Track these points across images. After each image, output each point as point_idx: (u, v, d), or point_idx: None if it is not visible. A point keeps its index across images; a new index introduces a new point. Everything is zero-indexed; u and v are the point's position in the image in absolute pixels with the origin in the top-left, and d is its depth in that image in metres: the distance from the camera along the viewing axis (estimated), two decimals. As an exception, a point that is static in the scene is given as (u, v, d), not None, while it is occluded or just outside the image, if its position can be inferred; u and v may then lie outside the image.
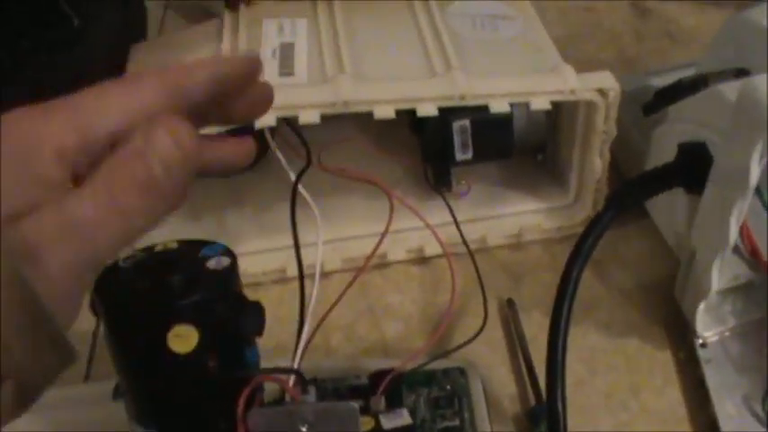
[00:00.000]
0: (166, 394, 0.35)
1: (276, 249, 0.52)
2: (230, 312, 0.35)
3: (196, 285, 0.35)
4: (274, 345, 0.43)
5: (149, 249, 0.38)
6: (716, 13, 0.72)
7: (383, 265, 0.51)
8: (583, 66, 0.49)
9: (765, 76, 0.41)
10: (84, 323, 0.51)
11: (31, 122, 0.24)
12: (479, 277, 0.47)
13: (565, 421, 0.38)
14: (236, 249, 0.50)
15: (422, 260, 0.52)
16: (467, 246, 0.48)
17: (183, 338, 0.34)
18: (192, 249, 0.37)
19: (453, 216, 0.48)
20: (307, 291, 0.39)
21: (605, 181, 0.51)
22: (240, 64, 0.29)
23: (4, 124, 0.24)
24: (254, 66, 0.30)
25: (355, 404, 0.34)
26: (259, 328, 0.36)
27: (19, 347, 0.22)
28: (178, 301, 0.34)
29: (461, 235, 0.48)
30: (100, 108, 0.25)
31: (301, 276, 0.38)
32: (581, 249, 0.41)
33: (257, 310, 0.36)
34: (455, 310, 0.48)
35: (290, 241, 0.51)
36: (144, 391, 0.36)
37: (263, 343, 0.37)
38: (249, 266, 0.51)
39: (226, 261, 0.37)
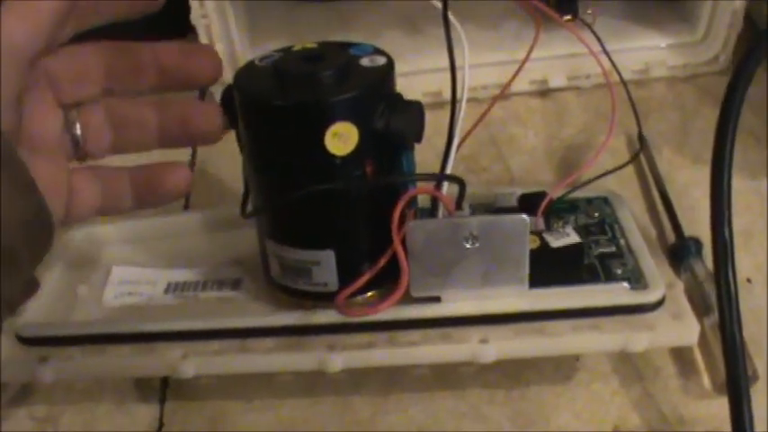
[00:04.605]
0: (318, 205, 0.33)
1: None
2: (391, 111, 0.32)
3: (352, 81, 0.32)
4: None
5: (286, 50, 0.35)
6: None
7: (502, 96, 0.48)
8: None
9: None
10: (180, 154, 0.49)
11: None
12: (633, 105, 0.43)
13: (732, 251, 0.36)
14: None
15: (543, 93, 0.49)
16: (618, 73, 0.44)
17: (342, 138, 0.31)
18: (339, 48, 0.34)
19: (598, 39, 0.44)
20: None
21: (742, 16, 0.48)
22: None
23: None
24: None
25: (525, 216, 0.32)
26: (420, 130, 0.33)
27: None
28: (335, 97, 0.31)
29: (611, 62, 0.44)
30: None
31: (453, 76, 0.34)
32: (746, 65, 0.38)
33: (418, 110, 0.33)
34: (580, 144, 0.46)
35: (406, 68, 0.48)
36: (289, 204, 0.33)
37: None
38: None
39: (381, 60, 0.33)
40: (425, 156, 0.34)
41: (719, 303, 0.35)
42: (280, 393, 0.38)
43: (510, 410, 0.37)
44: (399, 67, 0.48)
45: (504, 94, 0.41)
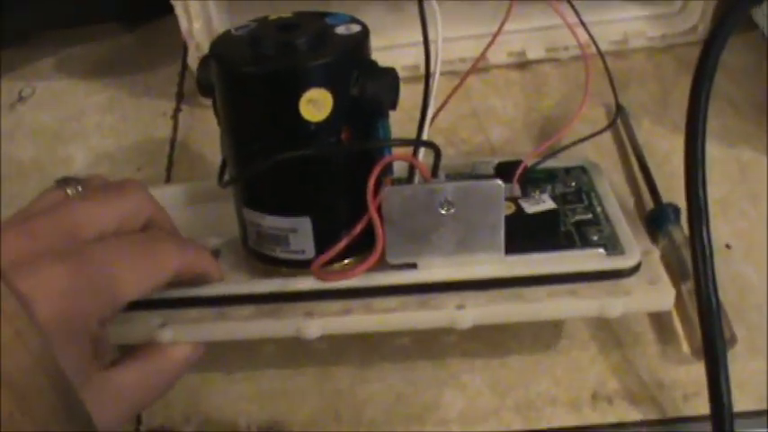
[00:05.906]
0: (293, 171, 0.33)
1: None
2: (366, 77, 0.32)
3: (327, 48, 0.32)
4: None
5: (262, 19, 0.35)
6: None
7: (482, 69, 0.48)
8: None
9: None
10: (162, 130, 0.49)
11: None
12: (609, 75, 0.43)
13: (707, 212, 0.36)
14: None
15: (522, 65, 0.49)
16: (595, 44, 0.44)
17: (317, 104, 0.31)
18: (314, 18, 0.34)
19: (575, 11, 0.44)
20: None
21: (719, -14, 0.48)
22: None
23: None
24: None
25: (500, 181, 0.32)
26: (394, 96, 0.33)
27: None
28: (308, 64, 0.31)
29: (589, 33, 0.44)
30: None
31: (425, 36, 0.33)
32: (720, 30, 0.38)
33: (393, 77, 0.33)
34: (559, 115, 0.46)
35: (386, 42, 0.48)
36: (266, 171, 0.33)
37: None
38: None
39: (356, 27, 0.33)
40: (405, 129, 0.34)
41: (695, 264, 0.35)
42: (260, 364, 0.38)
43: (489, 378, 0.37)
44: (380, 42, 0.48)
45: (477, 65, 0.41)
